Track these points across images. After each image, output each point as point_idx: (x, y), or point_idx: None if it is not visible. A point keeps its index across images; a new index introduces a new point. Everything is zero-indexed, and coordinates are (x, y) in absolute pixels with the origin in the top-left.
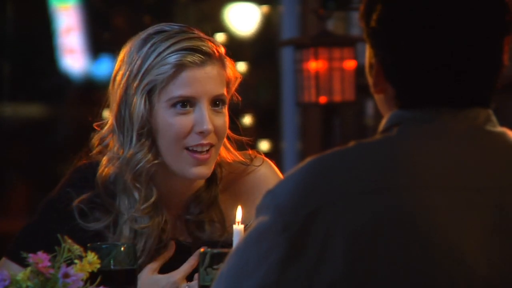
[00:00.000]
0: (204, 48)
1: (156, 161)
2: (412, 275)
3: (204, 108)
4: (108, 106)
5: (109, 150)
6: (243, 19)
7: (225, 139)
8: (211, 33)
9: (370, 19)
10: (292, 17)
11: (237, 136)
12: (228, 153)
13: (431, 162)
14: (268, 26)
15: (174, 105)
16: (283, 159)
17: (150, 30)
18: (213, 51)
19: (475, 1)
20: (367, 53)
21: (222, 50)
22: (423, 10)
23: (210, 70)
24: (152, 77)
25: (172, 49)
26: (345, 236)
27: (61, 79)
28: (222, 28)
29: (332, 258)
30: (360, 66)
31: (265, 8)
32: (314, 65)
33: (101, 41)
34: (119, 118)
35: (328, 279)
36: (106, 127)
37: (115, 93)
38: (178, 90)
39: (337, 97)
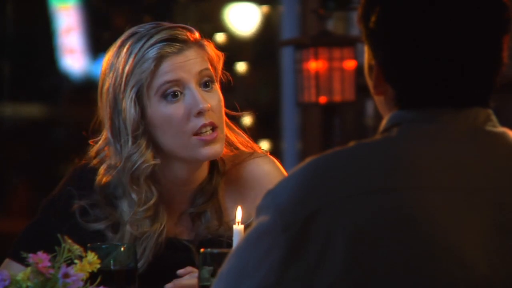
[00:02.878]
0: (178, 36)
1: (153, 162)
2: (412, 275)
3: (194, 89)
4: (100, 122)
5: (107, 157)
6: (243, 19)
7: (228, 122)
8: (211, 33)
9: (368, 20)
10: (292, 17)
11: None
12: (234, 134)
13: (431, 163)
14: (268, 26)
15: (165, 96)
16: (283, 159)
17: (123, 36)
18: (188, 37)
19: (473, 0)
20: (366, 56)
21: (197, 34)
22: (421, 10)
23: (189, 54)
24: (137, 77)
25: (148, 44)
26: (345, 236)
27: (61, 79)
28: (222, 28)
29: (333, 258)
30: (360, 66)
31: (265, 8)
32: (314, 65)
33: (101, 41)
34: (114, 129)
35: (328, 279)
36: (101, 140)
37: (105, 107)
38: (163, 77)
39: (337, 97)
